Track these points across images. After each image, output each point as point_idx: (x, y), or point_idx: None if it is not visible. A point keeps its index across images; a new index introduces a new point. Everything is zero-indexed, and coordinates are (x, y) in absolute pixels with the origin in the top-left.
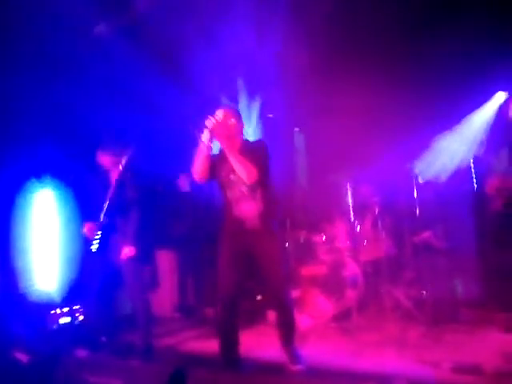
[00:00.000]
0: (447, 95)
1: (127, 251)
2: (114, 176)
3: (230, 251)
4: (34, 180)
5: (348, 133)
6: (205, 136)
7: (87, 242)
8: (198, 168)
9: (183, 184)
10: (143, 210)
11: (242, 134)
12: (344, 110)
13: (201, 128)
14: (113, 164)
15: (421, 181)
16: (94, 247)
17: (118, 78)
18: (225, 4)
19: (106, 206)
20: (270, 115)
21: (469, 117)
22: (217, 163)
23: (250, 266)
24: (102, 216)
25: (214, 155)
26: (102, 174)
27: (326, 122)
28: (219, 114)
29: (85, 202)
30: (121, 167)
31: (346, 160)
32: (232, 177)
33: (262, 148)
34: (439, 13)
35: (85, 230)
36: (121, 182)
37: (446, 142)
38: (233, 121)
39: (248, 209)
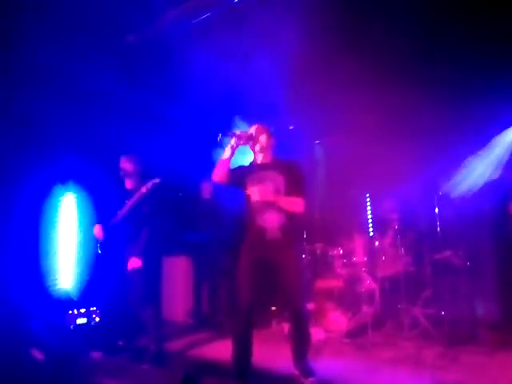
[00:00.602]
0: (472, 114)
1: (133, 262)
2: (129, 183)
3: (249, 261)
4: (59, 185)
5: (368, 147)
6: (231, 142)
7: (97, 243)
8: (219, 172)
9: (206, 191)
10: (155, 224)
11: (273, 149)
12: (365, 124)
13: (228, 133)
14: (132, 171)
15: (443, 199)
16: (99, 250)
17: (139, 96)
18: (239, 19)
19: (120, 212)
20: (291, 127)
21: (495, 138)
22: (245, 174)
23: (268, 277)
24: (113, 220)
25: (243, 166)
26: (119, 180)
27: (347, 135)
28: (252, 129)
29: (101, 205)
30: (145, 190)
31: (366, 174)
32: (259, 187)
33: (299, 170)
34: (465, 34)
35: (94, 231)
36: (141, 199)
37: (471, 161)
38: (264, 136)
39: (271, 219)
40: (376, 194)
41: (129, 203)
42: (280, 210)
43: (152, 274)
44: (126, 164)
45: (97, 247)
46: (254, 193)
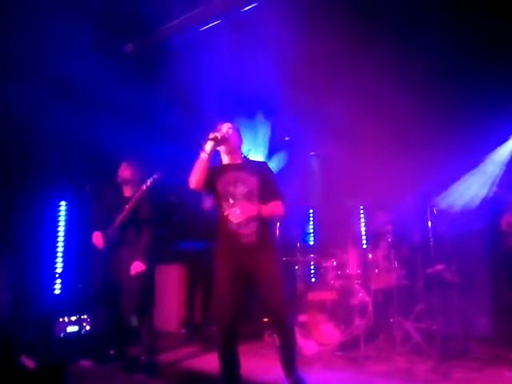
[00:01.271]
0: (467, 130)
1: (137, 266)
2: (127, 190)
3: (227, 269)
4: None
5: (364, 159)
6: (208, 146)
7: (96, 251)
8: (196, 177)
9: (207, 203)
10: (155, 229)
11: (241, 149)
12: (361, 136)
13: (205, 139)
14: (132, 179)
15: (436, 213)
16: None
17: (138, 103)
18: (238, 29)
19: (119, 218)
20: (287, 138)
21: (489, 155)
22: (214, 175)
23: (251, 285)
24: (112, 227)
25: (212, 167)
26: (116, 186)
27: (342, 147)
28: (224, 127)
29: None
30: (145, 187)
31: (361, 186)
32: (231, 189)
33: (271, 171)
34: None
35: (93, 239)
36: (140, 201)
37: (465, 177)
38: (234, 135)
39: (245, 224)
40: (370, 206)
41: (128, 206)
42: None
43: (152, 279)
44: (126, 170)
45: (98, 255)
46: (236, 215)
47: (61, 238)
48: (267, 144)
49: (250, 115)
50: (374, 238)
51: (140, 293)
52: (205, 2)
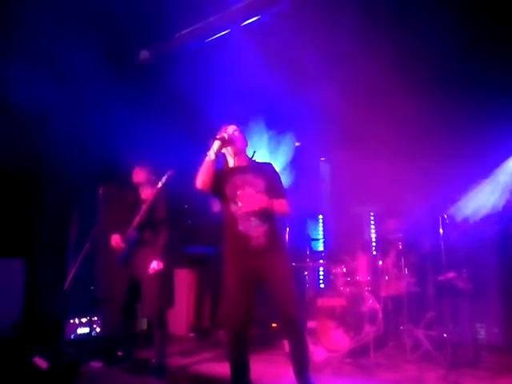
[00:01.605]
0: (480, 139)
1: (155, 265)
2: (144, 192)
3: (236, 272)
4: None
5: (375, 166)
6: (214, 146)
7: (113, 254)
8: (203, 177)
9: (216, 205)
10: (172, 228)
11: (246, 151)
12: (372, 142)
13: (212, 139)
14: (146, 181)
15: (448, 221)
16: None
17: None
18: (250, 34)
19: (137, 220)
20: (298, 143)
21: (501, 164)
22: (221, 178)
23: (260, 289)
24: (130, 230)
25: (218, 170)
26: (134, 189)
27: (353, 153)
28: (229, 129)
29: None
30: (160, 184)
31: (371, 193)
32: (239, 192)
33: (276, 172)
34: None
35: (112, 242)
36: (155, 200)
37: (477, 186)
38: (240, 137)
39: (255, 225)
40: (380, 213)
41: (145, 206)
42: (262, 215)
43: (171, 279)
44: (139, 174)
45: (121, 258)
46: (247, 202)
47: (73, 239)
48: (277, 149)
49: (261, 121)
50: (384, 244)
51: (158, 293)
52: (219, 10)
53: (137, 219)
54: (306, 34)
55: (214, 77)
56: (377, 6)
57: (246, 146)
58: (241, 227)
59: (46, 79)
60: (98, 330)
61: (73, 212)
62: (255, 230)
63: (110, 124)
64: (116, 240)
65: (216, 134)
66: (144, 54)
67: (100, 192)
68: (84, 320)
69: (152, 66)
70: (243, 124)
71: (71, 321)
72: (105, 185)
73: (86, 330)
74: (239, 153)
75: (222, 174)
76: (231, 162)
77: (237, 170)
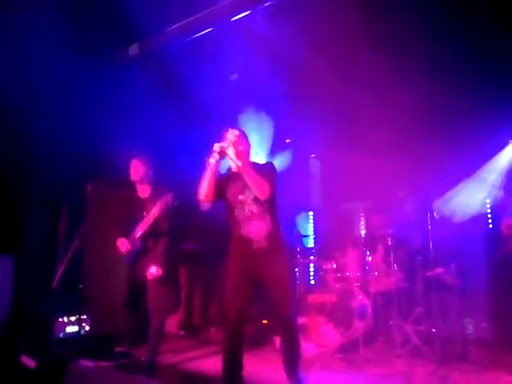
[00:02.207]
0: (470, 135)
1: (154, 270)
2: (142, 191)
3: (237, 273)
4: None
5: (364, 162)
6: (213, 159)
7: (120, 256)
8: (206, 191)
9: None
10: (173, 235)
11: (249, 154)
12: (361, 139)
13: (209, 152)
14: (145, 177)
15: (436, 217)
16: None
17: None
18: (238, 34)
19: (139, 230)
20: (288, 140)
21: (489, 160)
22: (223, 183)
23: (257, 288)
24: (136, 232)
25: (220, 175)
26: (127, 187)
27: (343, 150)
28: (230, 135)
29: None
30: (164, 205)
31: (361, 189)
32: (241, 197)
33: (271, 169)
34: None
35: (118, 244)
36: (159, 217)
37: (465, 181)
38: (242, 141)
39: (257, 229)
40: (370, 209)
41: (150, 219)
42: (265, 218)
43: (171, 283)
44: (138, 170)
45: (128, 259)
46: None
47: (62, 237)
48: (268, 145)
49: (252, 116)
50: (372, 240)
51: (157, 298)
52: (211, 4)
53: (141, 229)
54: (298, 31)
55: (205, 71)
56: None
57: (248, 149)
58: (243, 231)
59: (32, 74)
60: (87, 328)
61: (62, 209)
62: (257, 234)
63: (99, 120)
64: (123, 244)
65: (214, 145)
66: (133, 49)
67: (88, 189)
68: (73, 318)
69: (140, 59)
70: (242, 124)
71: (60, 319)
72: (93, 182)
73: (74, 328)
74: (240, 157)
75: (224, 180)
76: (233, 166)
77: (238, 174)
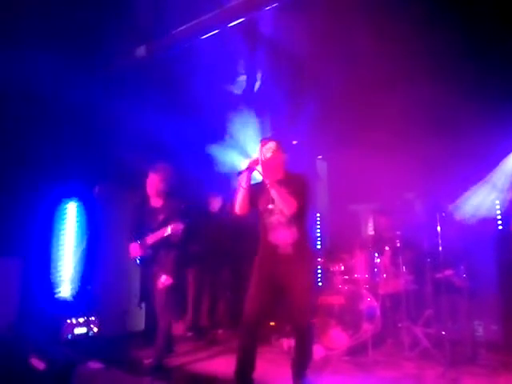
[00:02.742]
0: (478, 137)
1: (164, 280)
2: (155, 201)
3: (260, 277)
4: (60, 191)
5: (372, 163)
6: (243, 178)
7: (130, 260)
8: (240, 206)
9: (214, 205)
10: (183, 244)
11: (283, 165)
12: (369, 140)
13: (240, 171)
14: (161, 192)
15: (446, 218)
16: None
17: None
18: (249, 30)
19: (151, 240)
20: (295, 142)
21: (498, 161)
22: (256, 193)
23: (279, 292)
24: (148, 240)
25: (253, 185)
26: (143, 196)
27: (350, 151)
28: (266, 150)
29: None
30: (181, 227)
31: (368, 191)
32: (270, 206)
33: (303, 182)
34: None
35: (130, 248)
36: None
37: (475, 183)
38: (273, 157)
39: (283, 236)
40: (376, 210)
41: (162, 233)
42: (291, 227)
43: (179, 291)
44: (156, 183)
45: (139, 263)
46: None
47: (69, 239)
48: None
49: (258, 119)
50: (380, 242)
51: (166, 306)
52: (218, 5)
53: (153, 238)
54: (303, 31)
55: (210, 73)
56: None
57: (281, 160)
58: (270, 237)
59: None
60: (95, 330)
61: (72, 211)
62: (283, 241)
63: (108, 122)
64: (135, 249)
65: (246, 163)
66: (140, 51)
67: (96, 191)
68: (81, 320)
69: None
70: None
71: (68, 321)
72: (101, 183)
73: (83, 330)
74: (273, 170)
75: (256, 190)
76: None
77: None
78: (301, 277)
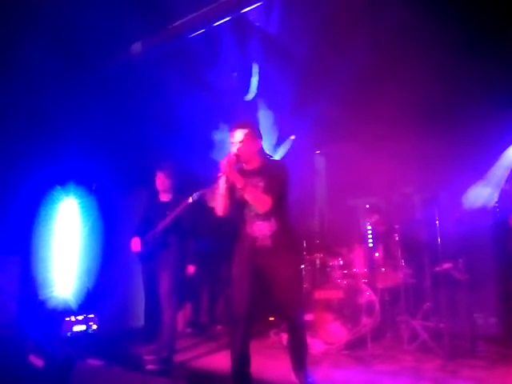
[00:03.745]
0: (476, 131)
1: (189, 269)
2: (163, 196)
3: (241, 270)
4: (58, 188)
5: (369, 157)
6: (221, 183)
7: (131, 255)
8: (222, 208)
9: (210, 198)
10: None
11: (260, 151)
12: (367, 134)
13: (218, 173)
14: (171, 187)
15: (444, 211)
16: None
17: (149, 98)
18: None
19: (161, 225)
20: (293, 137)
21: (498, 155)
22: (234, 186)
23: (264, 286)
24: (154, 232)
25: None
26: (153, 193)
27: (348, 145)
28: (234, 143)
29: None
30: (191, 200)
31: (367, 185)
32: (245, 196)
33: (281, 171)
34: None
35: (132, 243)
36: (182, 212)
37: (473, 176)
38: (245, 147)
39: (261, 228)
40: (375, 204)
41: (171, 215)
42: (269, 218)
43: (181, 289)
44: (163, 180)
45: (137, 258)
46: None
47: (68, 236)
48: (273, 142)
49: (256, 114)
50: (380, 236)
51: (169, 302)
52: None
53: (161, 224)
54: (301, 25)
55: (207, 67)
56: None
57: (256, 147)
58: (248, 229)
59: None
60: (94, 327)
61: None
62: (261, 233)
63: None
64: (137, 244)
65: (218, 170)
66: (136, 47)
67: (93, 188)
68: (80, 317)
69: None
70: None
71: (67, 318)
72: (98, 182)
73: (82, 327)
74: (249, 159)
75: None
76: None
77: (246, 173)
78: (284, 269)
